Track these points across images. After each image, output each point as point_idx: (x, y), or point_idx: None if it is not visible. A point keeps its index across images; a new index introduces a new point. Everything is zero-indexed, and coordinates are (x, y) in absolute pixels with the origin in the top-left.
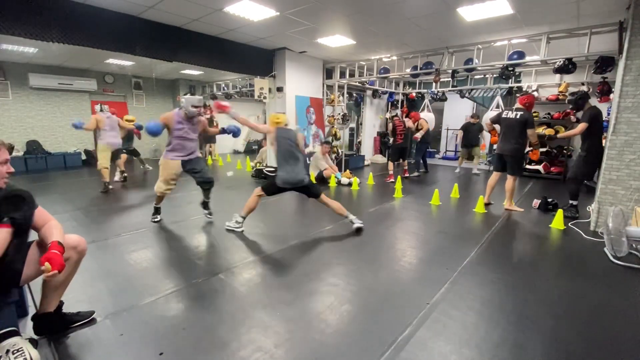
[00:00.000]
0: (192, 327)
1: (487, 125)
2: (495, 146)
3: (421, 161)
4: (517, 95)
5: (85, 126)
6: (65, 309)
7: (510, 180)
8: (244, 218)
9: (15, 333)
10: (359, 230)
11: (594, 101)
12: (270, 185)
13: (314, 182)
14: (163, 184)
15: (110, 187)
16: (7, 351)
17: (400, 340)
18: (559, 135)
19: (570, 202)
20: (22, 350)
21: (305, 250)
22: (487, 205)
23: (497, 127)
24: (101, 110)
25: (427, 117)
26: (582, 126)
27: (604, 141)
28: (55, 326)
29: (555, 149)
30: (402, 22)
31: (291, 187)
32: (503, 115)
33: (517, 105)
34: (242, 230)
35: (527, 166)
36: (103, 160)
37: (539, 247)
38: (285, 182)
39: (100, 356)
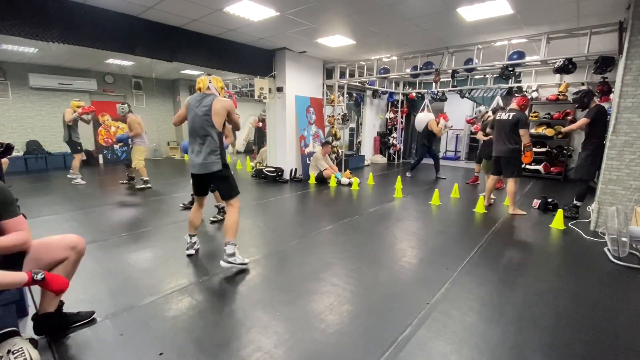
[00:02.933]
0: (192, 327)
1: (484, 134)
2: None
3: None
4: (516, 95)
5: (132, 134)
6: (66, 309)
7: (511, 184)
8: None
9: (16, 333)
10: (246, 264)
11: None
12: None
13: (314, 180)
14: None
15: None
16: (8, 351)
17: (400, 340)
18: (562, 130)
19: (575, 202)
20: (22, 350)
21: (305, 250)
22: (488, 206)
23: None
24: (130, 111)
25: (427, 117)
26: (583, 121)
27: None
28: (56, 326)
29: (555, 149)
30: (402, 22)
31: (196, 175)
32: (497, 117)
33: (513, 105)
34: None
35: (527, 166)
36: (143, 160)
37: (539, 247)
38: (191, 168)
39: (100, 356)
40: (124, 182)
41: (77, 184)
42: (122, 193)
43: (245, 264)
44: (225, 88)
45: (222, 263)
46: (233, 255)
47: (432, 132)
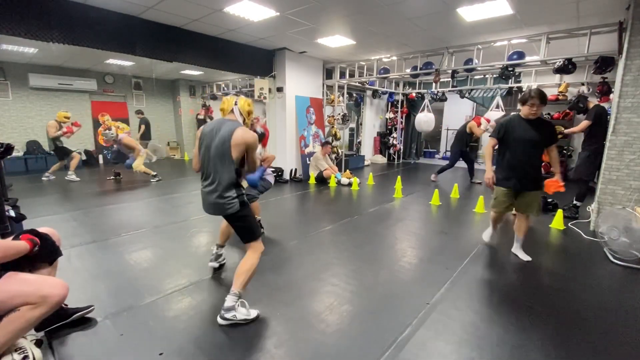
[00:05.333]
0: (192, 327)
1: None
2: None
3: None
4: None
5: (136, 153)
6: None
7: None
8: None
9: None
10: (253, 320)
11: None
12: None
13: (314, 180)
14: None
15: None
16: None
17: (400, 340)
18: (565, 131)
19: (575, 202)
20: (26, 349)
21: (305, 251)
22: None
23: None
24: (115, 134)
25: (427, 117)
26: (585, 123)
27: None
28: (55, 319)
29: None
30: (402, 22)
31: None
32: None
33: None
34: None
35: None
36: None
37: (539, 247)
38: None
39: (100, 356)
40: (111, 177)
41: (72, 180)
42: (122, 193)
43: (253, 317)
44: (258, 117)
45: (219, 320)
46: (232, 310)
47: (469, 135)
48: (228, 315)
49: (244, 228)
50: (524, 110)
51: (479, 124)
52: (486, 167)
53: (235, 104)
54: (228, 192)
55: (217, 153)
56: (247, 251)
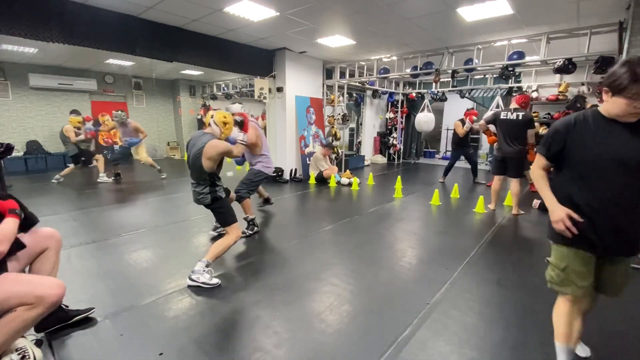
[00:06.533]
0: (192, 327)
1: (482, 126)
2: (494, 147)
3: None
4: (514, 94)
5: (144, 135)
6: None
7: (516, 184)
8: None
9: None
10: (213, 286)
11: (593, 101)
12: None
13: (314, 180)
14: None
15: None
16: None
17: (400, 340)
18: None
19: None
20: (26, 349)
21: (305, 250)
22: (492, 211)
23: (491, 127)
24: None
25: (427, 117)
26: None
27: None
28: (56, 320)
29: None
30: (402, 22)
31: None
32: (502, 117)
33: (514, 105)
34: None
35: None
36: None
37: (539, 247)
38: None
39: (100, 356)
40: (112, 178)
41: (104, 182)
42: (122, 193)
43: (212, 284)
44: (239, 118)
45: (187, 280)
46: (197, 273)
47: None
48: (194, 276)
49: (218, 215)
50: (614, 106)
51: (472, 121)
52: (547, 203)
53: (212, 117)
54: (203, 189)
55: (193, 162)
56: (226, 234)
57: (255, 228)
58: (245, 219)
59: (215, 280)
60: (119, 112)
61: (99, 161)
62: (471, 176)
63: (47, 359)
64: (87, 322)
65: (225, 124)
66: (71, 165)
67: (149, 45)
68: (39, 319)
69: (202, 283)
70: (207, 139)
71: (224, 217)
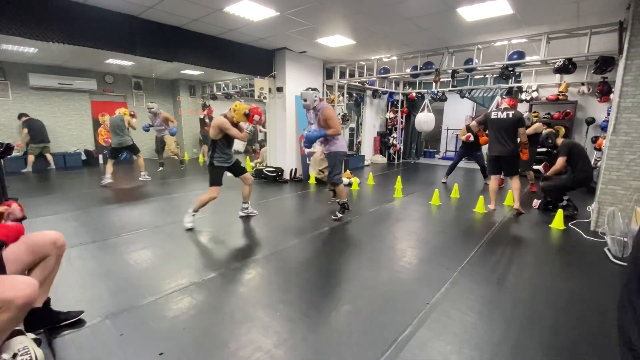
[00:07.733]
0: (192, 327)
1: (474, 127)
2: (486, 148)
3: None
4: (504, 97)
5: (175, 123)
6: (66, 308)
7: (516, 180)
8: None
9: (21, 332)
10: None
11: (593, 101)
12: None
13: (314, 180)
14: None
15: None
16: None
17: (400, 340)
18: (548, 173)
19: (564, 199)
20: (28, 349)
21: (305, 250)
22: (492, 211)
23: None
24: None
25: (427, 117)
26: (561, 160)
27: (592, 160)
28: (44, 322)
29: (555, 149)
30: (402, 22)
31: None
32: (492, 117)
33: (504, 105)
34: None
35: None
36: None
37: (539, 247)
38: None
39: (100, 356)
40: (145, 176)
41: (146, 179)
42: (122, 193)
43: (185, 226)
44: (247, 111)
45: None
46: (185, 218)
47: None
48: (184, 220)
49: (209, 176)
50: None
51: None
52: None
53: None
54: (210, 154)
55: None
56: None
57: (346, 211)
58: (338, 202)
59: (189, 225)
60: (152, 103)
61: (139, 159)
62: (471, 176)
63: (47, 359)
64: (87, 322)
65: (234, 110)
66: (110, 161)
67: (149, 45)
68: (17, 322)
69: (186, 223)
70: (219, 117)
71: (210, 179)
